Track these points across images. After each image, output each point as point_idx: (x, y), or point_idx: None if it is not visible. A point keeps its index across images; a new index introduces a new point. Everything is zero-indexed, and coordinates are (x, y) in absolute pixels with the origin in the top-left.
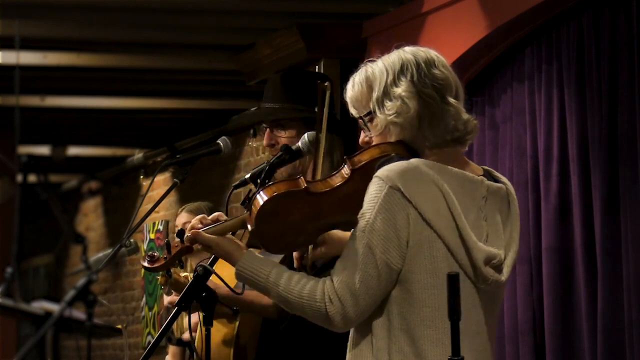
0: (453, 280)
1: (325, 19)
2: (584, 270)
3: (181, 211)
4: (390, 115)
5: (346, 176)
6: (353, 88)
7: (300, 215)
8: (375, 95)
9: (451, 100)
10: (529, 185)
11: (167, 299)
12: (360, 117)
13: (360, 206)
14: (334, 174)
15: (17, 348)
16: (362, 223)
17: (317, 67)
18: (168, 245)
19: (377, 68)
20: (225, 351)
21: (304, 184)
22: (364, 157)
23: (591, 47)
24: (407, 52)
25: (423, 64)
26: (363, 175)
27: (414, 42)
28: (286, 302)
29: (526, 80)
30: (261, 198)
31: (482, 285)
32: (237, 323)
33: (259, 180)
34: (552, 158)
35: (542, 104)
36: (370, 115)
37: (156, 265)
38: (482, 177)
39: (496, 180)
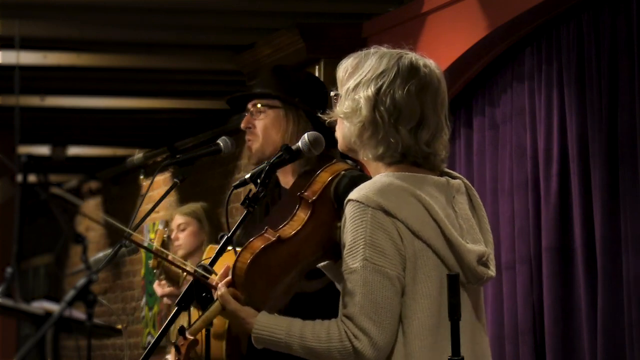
0: (453, 280)
1: (325, 19)
2: (584, 270)
3: (176, 214)
4: (343, 112)
5: (308, 211)
6: (342, 68)
7: (282, 265)
8: (348, 85)
9: (402, 129)
10: (529, 185)
11: (159, 291)
12: (335, 94)
13: (330, 232)
14: (295, 213)
15: (17, 348)
16: (357, 253)
17: (317, 67)
18: (177, 348)
19: (368, 62)
20: (217, 344)
21: (274, 236)
22: (316, 187)
23: (591, 47)
24: (400, 60)
25: (399, 80)
26: (323, 203)
27: (414, 42)
28: (312, 351)
29: (526, 80)
30: (241, 265)
31: (475, 284)
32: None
33: (259, 180)
34: (552, 158)
35: (542, 104)
36: (337, 98)
37: None
38: (446, 177)
39: (454, 177)
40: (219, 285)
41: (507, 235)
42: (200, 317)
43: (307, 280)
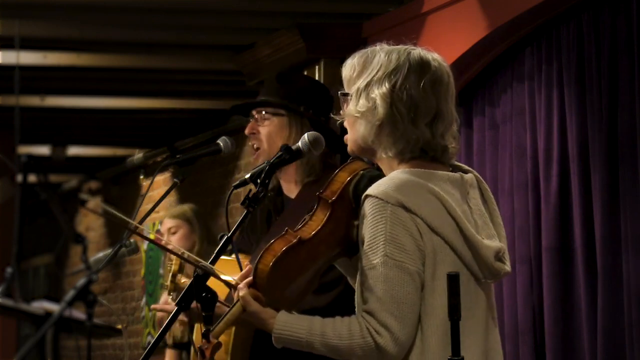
0: (453, 280)
1: (325, 19)
2: (584, 270)
3: (165, 217)
4: (358, 111)
5: (327, 211)
6: (348, 67)
7: (302, 266)
8: (358, 84)
9: (420, 124)
10: (529, 185)
11: (163, 299)
12: (343, 94)
13: (348, 231)
14: (314, 213)
15: (17, 348)
16: (378, 249)
17: (317, 67)
18: (201, 351)
19: (376, 59)
20: (221, 355)
21: (294, 237)
22: (335, 187)
23: (591, 47)
24: (410, 55)
25: (413, 76)
26: (342, 203)
27: (413, 42)
28: (334, 349)
29: (526, 80)
30: (264, 267)
31: (491, 280)
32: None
33: (259, 180)
34: (552, 158)
35: (542, 104)
36: (346, 98)
37: None
38: (459, 173)
39: (465, 171)
40: (240, 286)
41: (507, 235)
42: (222, 319)
43: (315, 295)
